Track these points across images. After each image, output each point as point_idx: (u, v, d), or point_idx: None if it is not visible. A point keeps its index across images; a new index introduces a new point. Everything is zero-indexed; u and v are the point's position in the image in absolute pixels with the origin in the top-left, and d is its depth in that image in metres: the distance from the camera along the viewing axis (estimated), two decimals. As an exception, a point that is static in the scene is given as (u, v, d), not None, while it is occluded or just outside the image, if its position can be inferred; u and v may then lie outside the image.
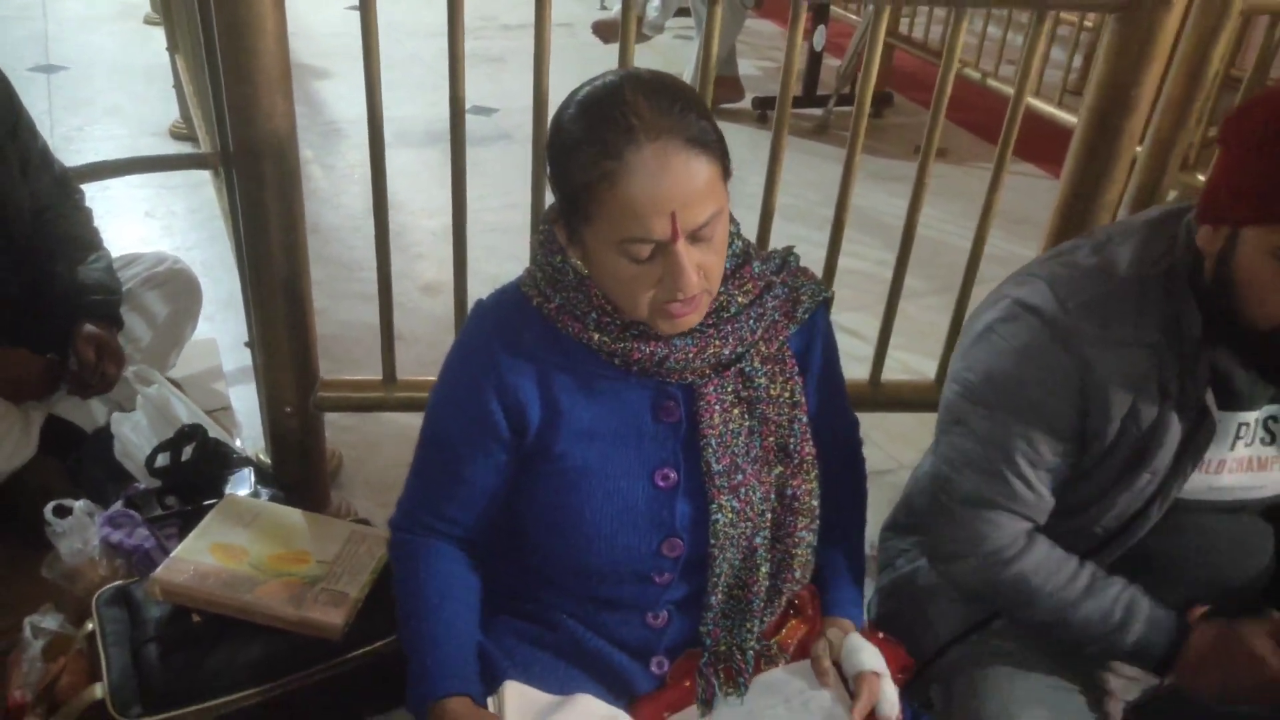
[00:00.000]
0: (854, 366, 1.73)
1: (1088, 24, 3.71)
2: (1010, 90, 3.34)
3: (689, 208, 0.90)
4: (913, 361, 2.33)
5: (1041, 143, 2.94)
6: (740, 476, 1.05)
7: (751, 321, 1.03)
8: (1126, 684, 1.20)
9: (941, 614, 1.24)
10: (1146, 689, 1.20)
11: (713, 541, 1.04)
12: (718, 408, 1.04)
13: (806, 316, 1.08)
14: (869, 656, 1.07)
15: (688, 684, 1.06)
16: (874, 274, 1.67)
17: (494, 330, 1.04)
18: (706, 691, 1.05)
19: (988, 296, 1.18)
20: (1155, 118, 1.51)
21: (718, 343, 1.01)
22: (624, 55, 1.43)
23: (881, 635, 1.14)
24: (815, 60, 3.80)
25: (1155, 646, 1.10)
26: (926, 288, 2.65)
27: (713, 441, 1.03)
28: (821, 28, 3.69)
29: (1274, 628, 1.08)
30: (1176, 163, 1.51)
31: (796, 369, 1.07)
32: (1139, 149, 1.53)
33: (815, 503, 1.10)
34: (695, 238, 0.93)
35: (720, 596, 1.07)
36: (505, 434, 1.04)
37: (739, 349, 1.03)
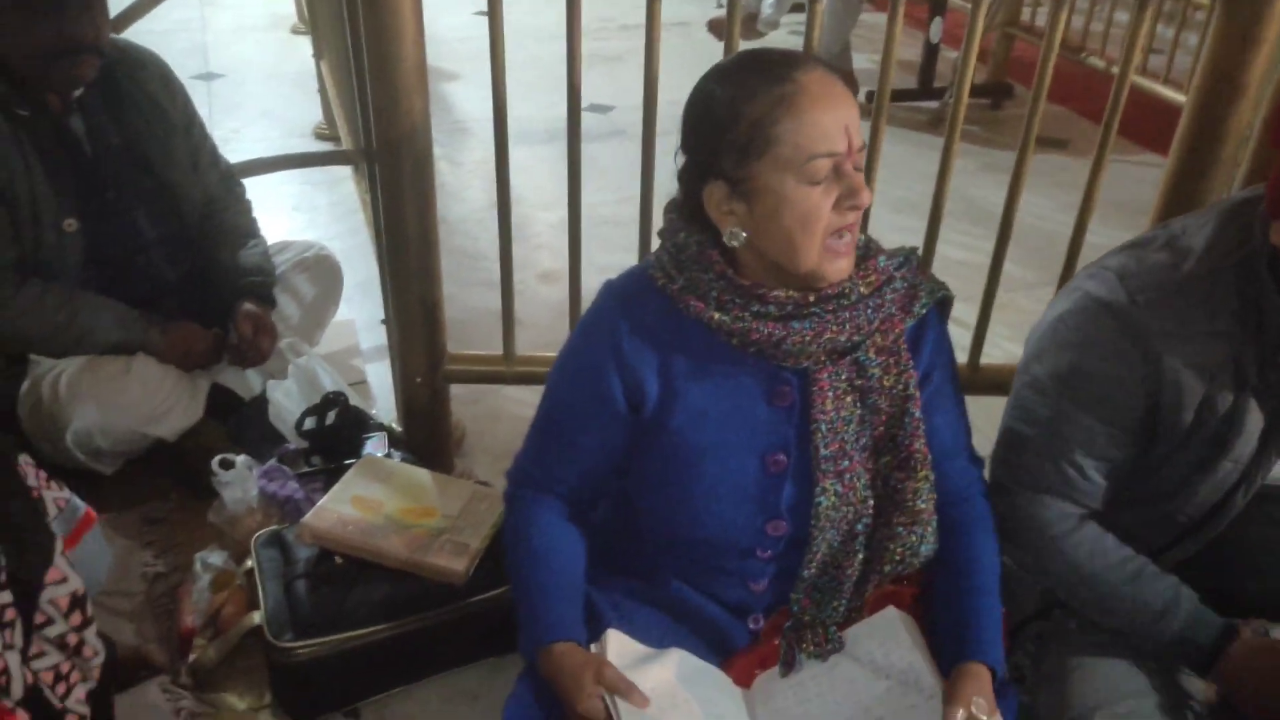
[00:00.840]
0: (960, 355, 1.75)
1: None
2: (1142, 80, 3.27)
3: (855, 128, 0.99)
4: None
5: (1171, 131, 2.87)
6: (846, 463, 1.08)
7: (870, 311, 1.06)
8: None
9: (1028, 588, 1.25)
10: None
11: (814, 523, 1.08)
12: (830, 394, 1.07)
13: (923, 311, 1.10)
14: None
15: (776, 642, 1.11)
16: (985, 266, 1.68)
17: (619, 308, 1.09)
18: (789, 655, 1.10)
19: (1064, 287, 1.19)
20: (1265, 103, 1.49)
21: (835, 328, 1.04)
22: (729, 50, 1.51)
23: None
24: (932, 52, 3.75)
25: (1196, 645, 1.08)
26: (1039, 279, 2.62)
27: (823, 427, 1.06)
28: (939, 19, 3.65)
29: None
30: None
31: (911, 363, 1.09)
32: (1250, 134, 1.51)
33: (922, 504, 1.09)
34: (856, 165, 1.00)
35: (814, 571, 1.10)
36: (622, 408, 1.09)
37: (855, 338, 1.05)
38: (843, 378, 1.07)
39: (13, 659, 0.88)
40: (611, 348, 1.08)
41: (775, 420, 1.08)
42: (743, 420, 1.08)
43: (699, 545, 1.12)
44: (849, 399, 1.08)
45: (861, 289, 1.06)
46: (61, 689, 0.96)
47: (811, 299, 1.04)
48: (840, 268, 1.03)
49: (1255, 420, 1.06)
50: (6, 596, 0.87)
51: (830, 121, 0.97)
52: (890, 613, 1.10)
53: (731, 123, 1.00)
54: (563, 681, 1.04)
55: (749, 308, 1.04)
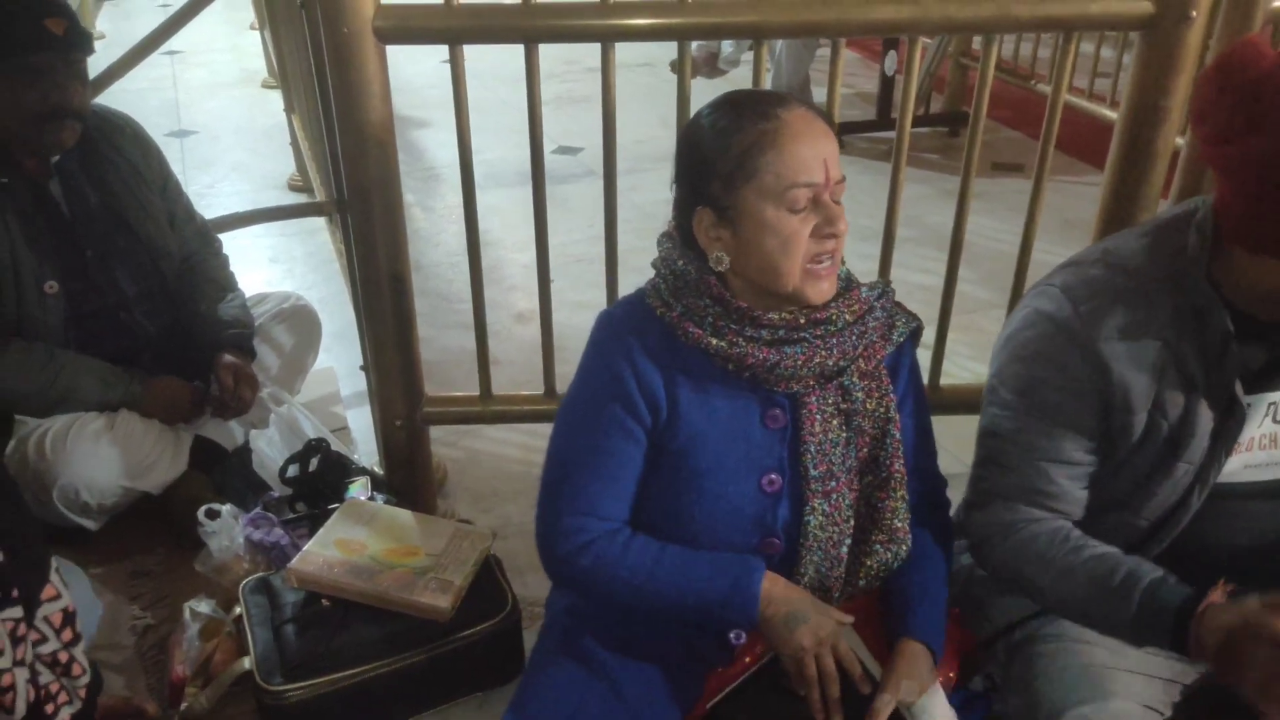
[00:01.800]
0: (925, 377, 1.81)
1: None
2: (1084, 103, 3.37)
3: (833, 162, 1.07)
4: (986, 371, 2.38)
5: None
6: (834, 483, 1.13)
7: (855, 337, 1.13)
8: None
9: (1000, 606, 1.28)
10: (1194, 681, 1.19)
11: (802, 541, 1.13)
12: (819, 417, 1.13)
13: (901, 340, 1.18)
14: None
15: (748, 659, 1.15)
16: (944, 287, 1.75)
17: (625, 331, 1.14)
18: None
19: (1015, 306, 1.25)
20: (1189, 131, 1.57)
21: (824, 353, 1.10)
22: (681, 89, 1.57)
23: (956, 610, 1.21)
24: (887, 85, 3.87)
25: (1160, 618, 1.06)
26: (999, 299, 2.69)
27: (812, 448, 1.12)
28: (892, 53, 3.77)
29: None
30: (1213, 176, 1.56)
31: (891, 387, 1.15)
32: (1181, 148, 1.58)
33: (899, 523, 1.16)
34: (833, 196, 1.08)
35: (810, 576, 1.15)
36: (646, 417, 1.12)
37: (842, 362, 1.12)
38: (830, 401, 1.13)
39: (20, 675, 0.90)
40: (626, 359, 1.13)
41: (769, 442, 1.13)
42: (739, 442, 1.13)
43: None
44: (835, 422, 1.13)
45: (847, 316, 1.12)
46: (50, 709, 0.97)
47: (802, 321, 1.10)
48: (822, 289, 1.09)
49: (1206, 420, 1.11)
50: (16, 611, 0.89)
51: (810, 155, 1.05)
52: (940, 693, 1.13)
53: (720, 153, 1.08)
54: (799, 603, 1.10)
55: (743, 332, 1.10)
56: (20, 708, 0.90)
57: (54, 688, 0.95)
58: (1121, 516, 1.18)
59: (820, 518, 1.13)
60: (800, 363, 1.10)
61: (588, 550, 1.13)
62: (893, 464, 1.15)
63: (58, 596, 0.94)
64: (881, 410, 1.14)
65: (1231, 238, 1.07)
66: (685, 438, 1.13)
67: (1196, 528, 1.16)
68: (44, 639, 0.94)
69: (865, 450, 1.15)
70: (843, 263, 1.16)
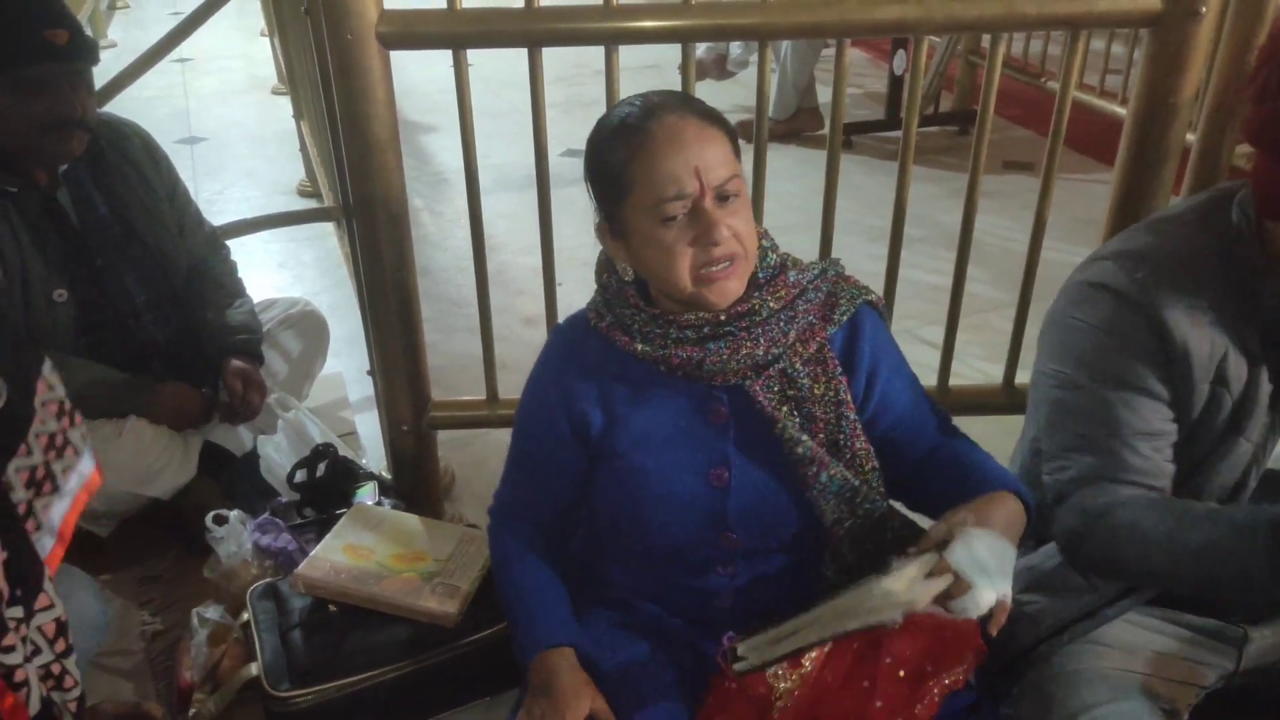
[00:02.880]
0: (934, 378, 1.80)
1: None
2: (1095, 101, 3.35)
3: (710, 168, 1.05)
4: (998, 372, 2.36)
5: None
6: (820, 457, 1.11)
7: (783, 324, 1.11)
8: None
9: (1024, 625, 1.23)
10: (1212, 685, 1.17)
11: (833, 503, 1.10)
12: (766, 405, 1.12)
13: (844, 318, 1.15)
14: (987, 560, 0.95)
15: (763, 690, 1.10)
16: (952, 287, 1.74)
17: (563, 351, 1.21)
18: None
19: (1060, 290, 1.20)
20: (1200, 124, 1.55)
21: (749, 344, 1.10)
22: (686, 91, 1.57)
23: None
24: (896, 84, 3.86)
25: None
26: (1011, 299, 2.67)
27: (788, 426, 1.10)
28: (901, 52, 3.76)
29: None
30: (1226, 166, 1.55)
31: (839, 370, 1.13)
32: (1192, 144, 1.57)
33: (854, 480, 1.12)
34: (721, 195, 1.06)
35: (853, 552, 1.12)
36: (571, 441, 1.18)
37: (773, 350, 1.11)
38: (775, 389, 1.12)
39: (33, 673, 0.90)
40: (558, 388, 1.18)
41: (712, 437, 1.14)
42: (683, 440, 1.14)
43: (661, 564, 1.17)
44: (784, 409, 1.12)
45: (771, 304, 1.11)
46: None
47: (723, 318, 1.10)
48: (725, 289, 1.08)
49: (1265, 395, 1.08)
50: (17, 611, 0.89)
51: (677, 165, 1.04)
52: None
53: (601, 171, 1.11)
54: (559, 684, 1.10)
55: (668, 335, 1.11)
56: (35, 704, 0.90)
57: (48, 698, 0.95)
58: (1184, 496, 1.13)
59: (839, 481, 1.10)
60: (726, 357, 1.10)
61: (495, 538, 1.28)
62: (854, 444, 1.13)
63: (51, 606, 0.95)
64: (830, 394, 1.13)
65: (1264, 210, 1.05)
66: (629, 442, 1.15)
67: None
68: (38, 650, 0.94)
69: (822, 435, 1.13)
70: (773, 251, 1.15)
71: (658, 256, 1.07)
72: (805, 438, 1.11)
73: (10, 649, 0.88)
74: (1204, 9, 1.40)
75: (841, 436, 1.13)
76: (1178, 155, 1.53)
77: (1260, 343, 1.08)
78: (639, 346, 1.13)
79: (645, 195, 1.06)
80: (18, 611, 0.89)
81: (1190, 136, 1.56)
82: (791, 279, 1.15)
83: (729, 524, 1.14)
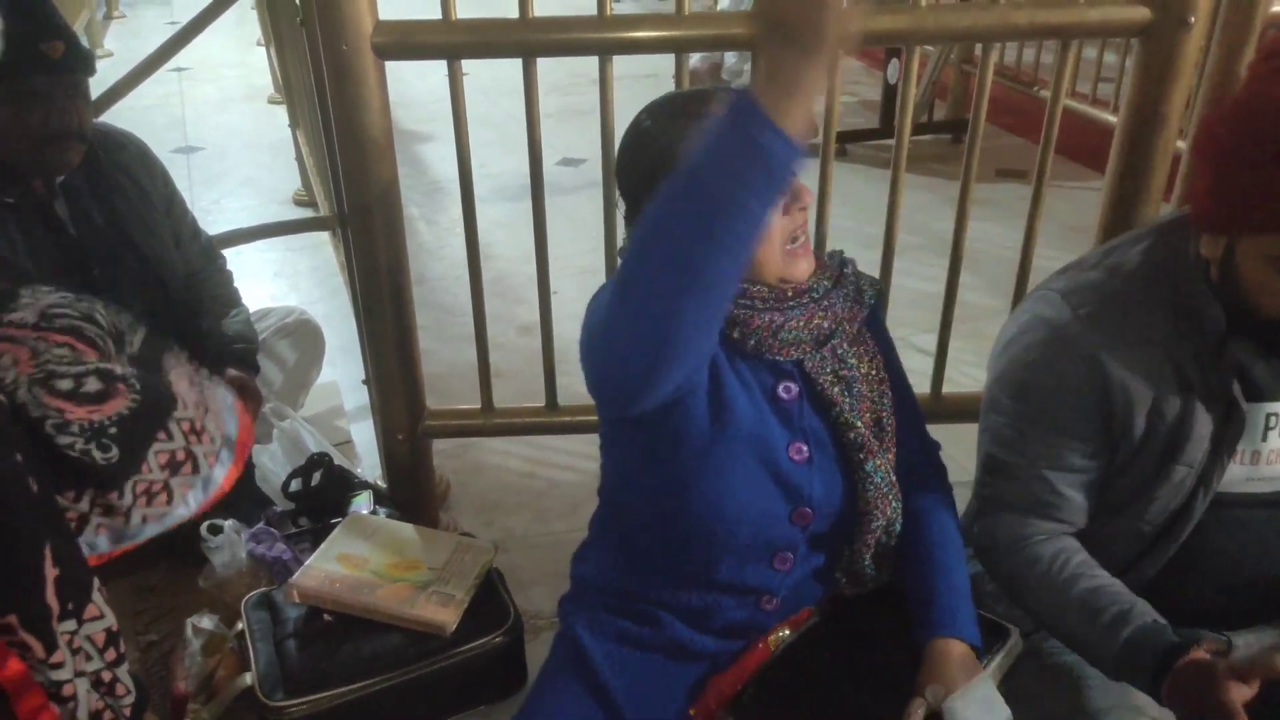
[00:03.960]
0: (926, 384, 1.80)
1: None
2: (1087, 109, 3.37)
3: None
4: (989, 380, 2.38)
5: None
6: (864, 453, 1.13)
7: (841, 300, 1.16)
8: None
9: (1009, 618, 1.25)
10: None
11: (869, 499, 1.13)
12: (824, 384, 1.14)
13: (871, 302, 1.20)
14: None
15: (760, 646, 1.14)
16: (944, 293, 1.75)
17: None
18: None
19: (1013, 311, 1.25)
20: (1190, 132, 1.57)
21: (820, 315, 1.13)
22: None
23: None
24: (891, 92, 3.88)
25: (1143, 660, 1.04)
26: (1004, 306, 2.68)
27: (844, 410, 1.13)
28: (895, 60, 3.78)
29: (1248, 668, 0.96)
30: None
31: (876, 347, 1.19)
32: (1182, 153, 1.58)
33: (893, 476, 1.16)
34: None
35: (870, 556, 1.15)
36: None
37: (834, 325, 1.14)
38: (828, 369, 1.15)
39: (81, 685, 0.89)
40: None
41: (789, 413, 1.14)
42: (764, 411, 1.13)
43: (722, 555, 1.13)
44: (838, 389, 1.14)
45: (826, 283, 1.15)
46: None
47: (789, 293, 1.12)
48: (803, 268, 1.11)
49: (1204, 423, 1.11)
50: (71, 624, 0.88)
51: None
52: (985, 681, 1.08)
53: (672, 160, 1.05)
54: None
55: (737, 303, 1.11)
56: (83, 717, 0.90)
57: (99, 706, 0.95)
58: (1126, 523, 1.17)
59: (883, 473, 1.13)
60: (802, 324, 1.12)
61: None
62: (891, 421, 1.17)
63: (101, 616, 0.94)
64: (874, 372, 1.17)
65: (1195, 218, 1.08)
66: (716, 404, 1.10)
67: (1201, 538, 1.15)
68: (89, 658, 0.94)
69: (868, 414, 1.16)
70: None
71: None
72: (858, 422, 1.14)
73: (59, 665, 0.88)
74: (1193, 19, 1.41)
75: (885, 414, 1.17)
76: (1167, 163, 1.54)
77: (1199, 371, 1.10)
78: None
79: None
80: (70, 625, 0.88)
81: (1180, 144, 1.57)
82: (831, 262, 1.20)
83: (810, 500, 1.13)
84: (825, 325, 1.13)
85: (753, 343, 1.12)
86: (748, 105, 0.83)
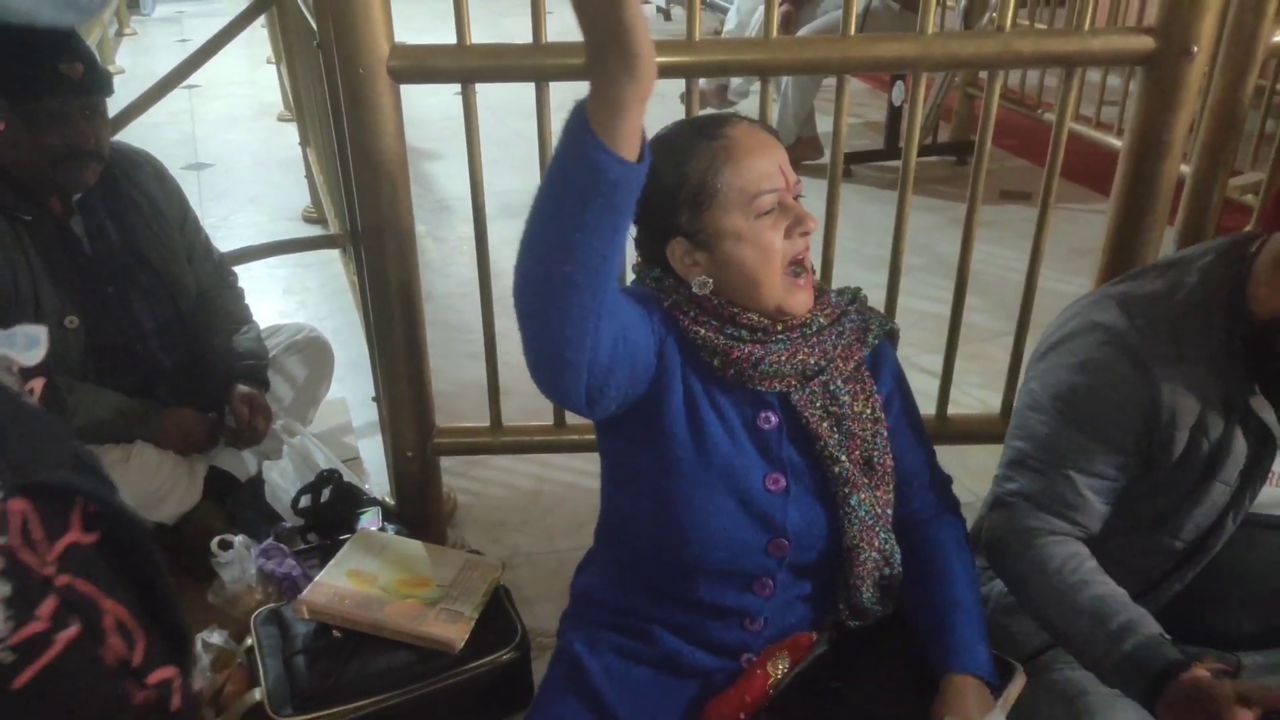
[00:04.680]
0: (931, 405, 1.81)
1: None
2: (1091, 132, 3.39)
3: (787, 168, 1.11)
4: (995, 401, 2.37)
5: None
6: (855, 478, 1.14)
7: (834, 338, 1.16)
8: None
9: (1026, 632, 1.27)
10: None
11: (854, 534, 1.13)
12: (809, 418, 1.14)
13: (876, 342, 1.21)
14: None
15: (759, 672, 1.15)
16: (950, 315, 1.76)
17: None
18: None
19: (1056, 318, 1.25)
20: (1194, 158, 1.58)
21: (805, 350, 1.13)
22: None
23: None
24: (895, 114, 3.91)
25: (1143, 671, 1.04)
26: (1009, 328, 2.69)
27: (829, 443, 1.14)
28: (900, 83, 3.81)
29: (1254, 694, 0.97)
30: (1219, 199, 1.57)
31: (875, 387, 1.19)
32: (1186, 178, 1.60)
33: (890, 511, 1.18)
34: (796, 196, 1.12)
35: (870, 588, 1.15)
36: (652, 333, 1.12)
37: (822, 362, 1.15)
38: (818, 405, 1.15)
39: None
40: (657, 304, 1.16)
41: (768, 442, 1.15)
42: (741, 440, 1.14)
43: (699, 573, 1.15)
44: (826, 424, 1.15)
45: (821, 320, 1.16)
46: None
47: (779, 326, 1.13)
48: (802, 300, 1.13)
49: (1241, 445, 1.11)
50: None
51: (764, 163, 1.10)
52: (997, 716, 1.10)
53: (679, 184, 1.11)
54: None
55: (723, 330, 1.13)
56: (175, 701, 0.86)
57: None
58: (1158, 539, 1.17)
59: (867, 506, 1.14)
60: (784, 359, 1.12)
61: None
62: (885, 461, 1.17)
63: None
64: (869, 411, 1.17)
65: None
66: (691, 427, 1.13)
67: (1228, 558, 1.16)
68: None
69: (858, 453, 1.16)
70: (813, 270, 1.20)
71: (751, 253, 1.10)
72: (843, 457, 1.14)
73: None
74: (1196, 48, 1.43)
75: (876, 454, 1.17)
76: (1171, 188, 1.55)
77: (1241, 391, 1.10)
78: (700, 331, 1.13)
79: (737, 195, 1.09)
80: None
81: (1184, 169, 1.58)
82: (833, 299, 1.20)
83: (784, 531, 1.14)
84: (812, 361, 1.14)
85: (732, 373, 1.13)
86: (579, 122, 0.87)
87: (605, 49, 0.83)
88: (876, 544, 1.15)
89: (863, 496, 1.14)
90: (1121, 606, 1.10)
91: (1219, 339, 1.11)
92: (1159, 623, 1.09)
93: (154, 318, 1.87)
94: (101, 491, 0.64)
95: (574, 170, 0.88)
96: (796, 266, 1.12)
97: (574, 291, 0.92)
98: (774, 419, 1.15)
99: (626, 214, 0.91)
